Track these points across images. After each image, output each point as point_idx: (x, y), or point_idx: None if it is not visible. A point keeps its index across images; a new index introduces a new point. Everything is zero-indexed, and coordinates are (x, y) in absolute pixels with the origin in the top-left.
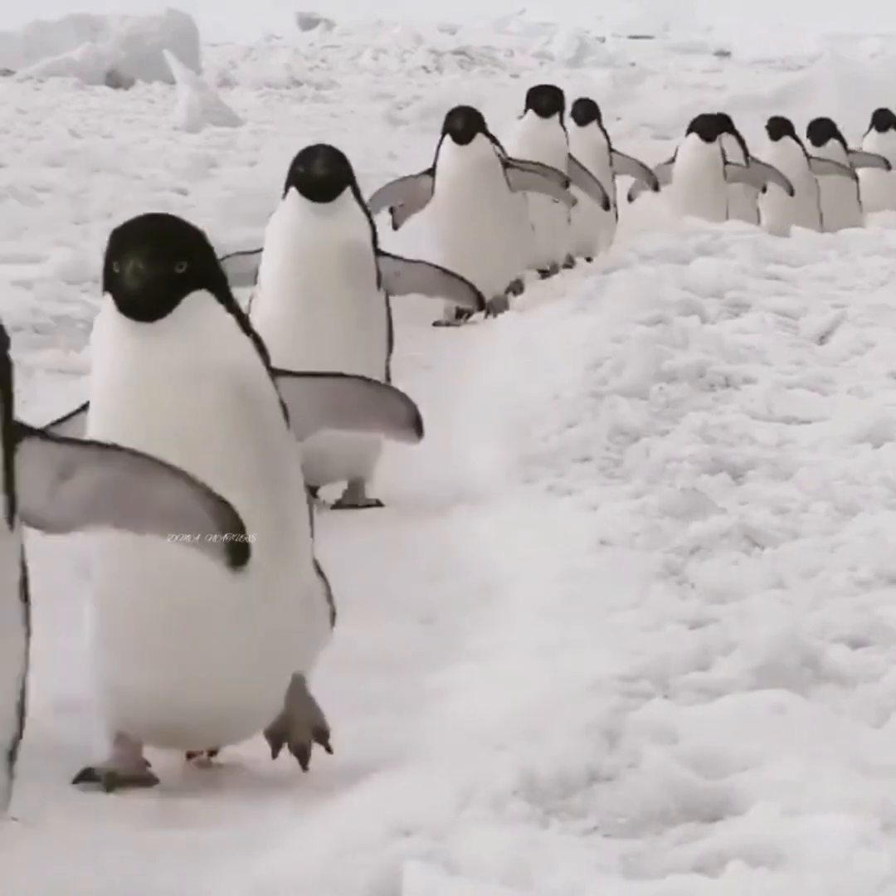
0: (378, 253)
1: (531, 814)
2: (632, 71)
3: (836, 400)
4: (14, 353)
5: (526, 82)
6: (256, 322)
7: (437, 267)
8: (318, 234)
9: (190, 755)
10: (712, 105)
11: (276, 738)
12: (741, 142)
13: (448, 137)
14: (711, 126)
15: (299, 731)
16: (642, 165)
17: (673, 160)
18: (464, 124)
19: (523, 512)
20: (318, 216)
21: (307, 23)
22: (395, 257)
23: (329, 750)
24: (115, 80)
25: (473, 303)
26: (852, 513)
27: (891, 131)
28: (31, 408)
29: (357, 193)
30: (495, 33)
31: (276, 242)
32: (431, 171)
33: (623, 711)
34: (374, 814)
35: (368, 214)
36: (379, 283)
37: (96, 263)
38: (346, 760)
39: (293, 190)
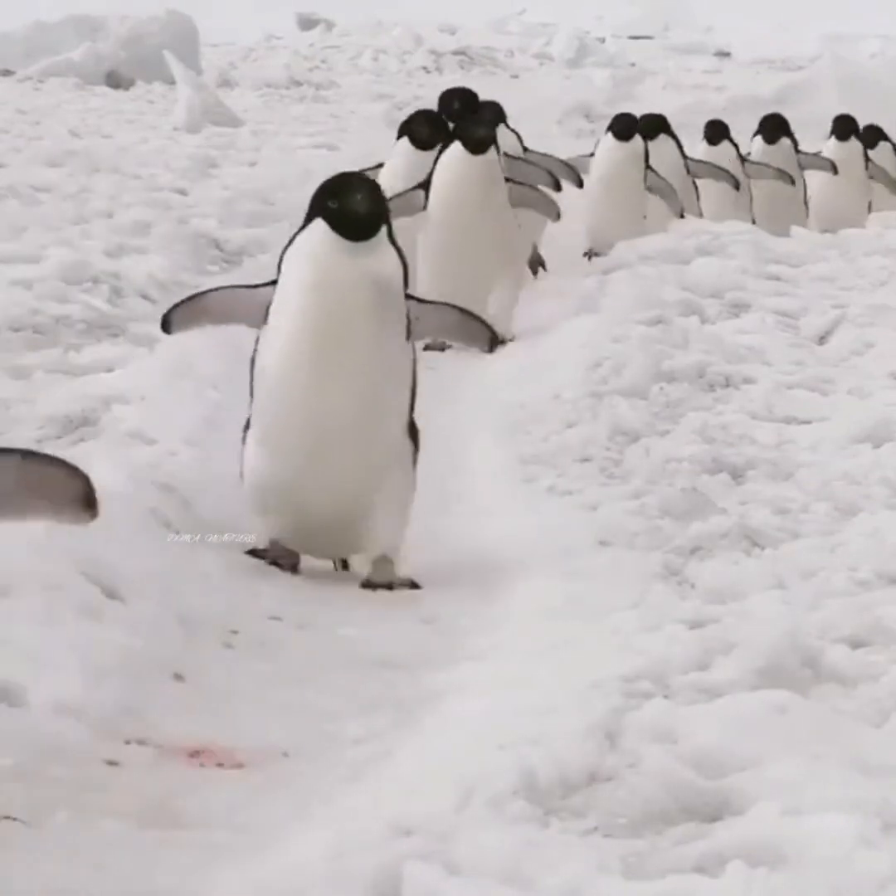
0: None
1: (531, 814)
2: (632, 71)
3: (836, 400)
4: (14, 353)
5: (526, 83)
6: (265, 362)
7: (457, 308)
8: (349, 271)
9: (193, 755)
10: (712, 105)
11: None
12: (678, 144)
13: (457, 144)
14: (628, 126)
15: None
16: (562, 162)
17: (592, 154)
18: (483, 134)
19: (523, 512)
20: (351, 254)
21: (307, 23)
22: (417, 300)
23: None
24: (115, 81)
25: (489, 347)
26: (852, 513)
27: (852, 141)
28: (32, 408)
29: (391, 231)
30: (495, 34)
31: (295, 276)
32: (424, 185)
33: (623, 711)
34: (374, 814)
35: (401, 254)
36: (408, 332)
37: (97, 263)
38: (346, 760)
39: (322, 223)
